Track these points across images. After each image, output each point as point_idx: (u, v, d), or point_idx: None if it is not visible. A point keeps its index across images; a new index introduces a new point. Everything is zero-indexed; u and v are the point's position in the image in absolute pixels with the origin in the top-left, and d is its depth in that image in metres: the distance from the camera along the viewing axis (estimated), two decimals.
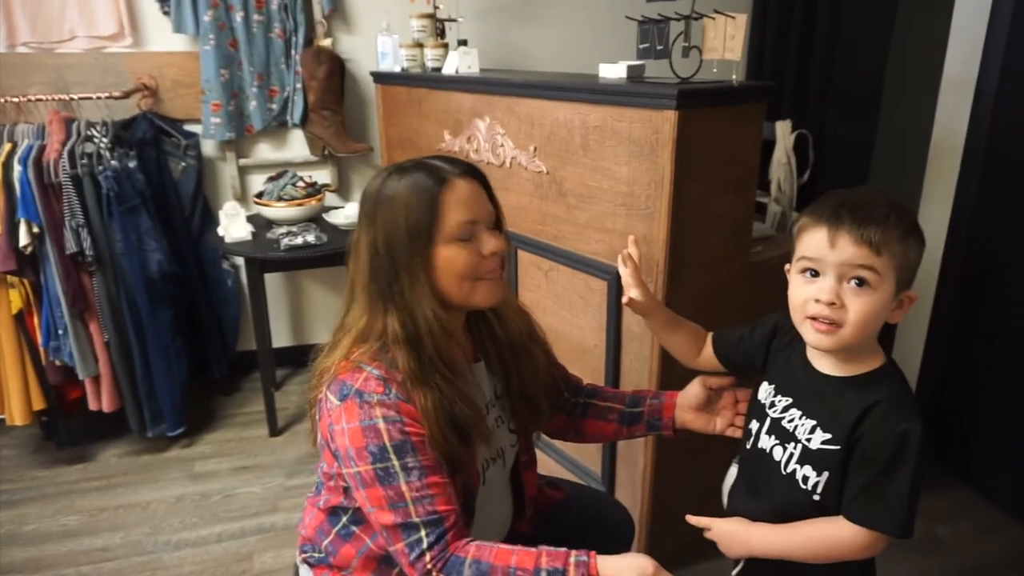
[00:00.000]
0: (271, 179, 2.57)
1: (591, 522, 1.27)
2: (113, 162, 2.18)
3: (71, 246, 2.10)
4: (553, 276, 1.87)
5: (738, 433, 1.14)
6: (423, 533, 0.93)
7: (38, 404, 2.26)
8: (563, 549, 0.93)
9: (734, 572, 1.06)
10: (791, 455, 0.93)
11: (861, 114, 2.63)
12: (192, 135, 2.56)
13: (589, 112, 1.61)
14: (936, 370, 2.25)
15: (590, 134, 1.63)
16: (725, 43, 1.48)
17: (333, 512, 1.09)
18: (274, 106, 2.63)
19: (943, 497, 2.13)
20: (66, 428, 2.39)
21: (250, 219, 2.48)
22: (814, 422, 0.91)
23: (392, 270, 0.99)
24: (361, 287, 1.02)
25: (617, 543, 1.24)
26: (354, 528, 1.07)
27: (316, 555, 1.13)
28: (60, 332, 2.18)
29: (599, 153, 1.62)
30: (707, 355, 1.17)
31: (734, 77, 1.51)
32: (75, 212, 2.09)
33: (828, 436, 0.89)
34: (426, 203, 0.97)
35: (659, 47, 1.55)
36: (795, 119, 2.29)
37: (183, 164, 2.55)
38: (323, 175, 2.76)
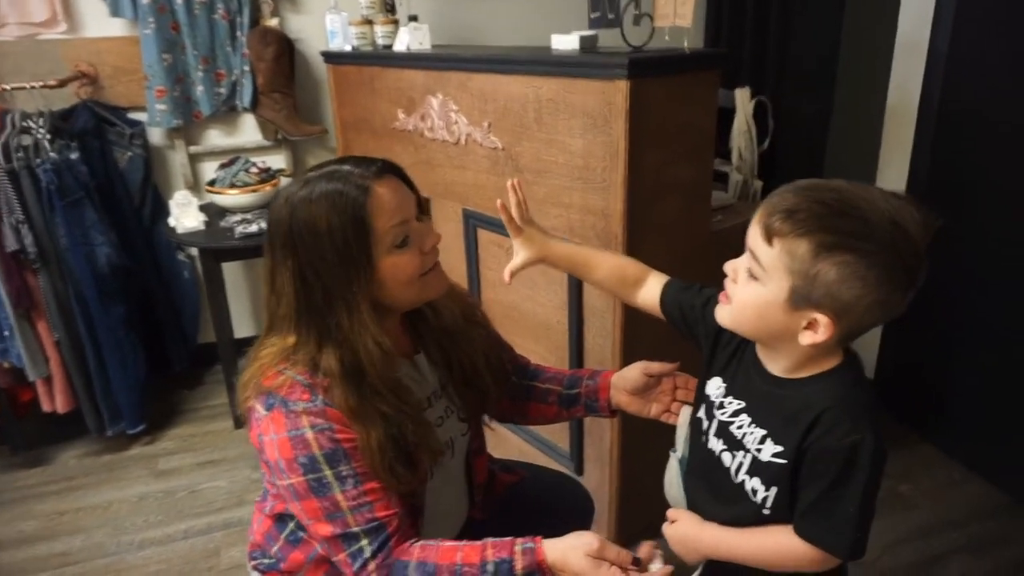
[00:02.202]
0: (223, 166, 2.49)
1: (548, 503, 1.26)
2: (52, 154, 2.09)
3: (11, 243, 2.01)
4: (513, 254, 1.84)
5: (673, 419, 1.09)
6: (364, 542, 0.90)
7: None
8: (508, 539, 0.91)
9: (695, 574, 1.03)
10: (740, 464, 0.86)
11: (818, 80, 2.63)
12: (137, 123, 2.46)
13: (541, 85, 1.58)
14: (898, 328, 2.28)
15: (543, 108, 1.59)
16: (676, 9, 1.46)
17: (280, 518, 1.06)
18: (222, 90, 2.54)
19: (904, 454, 2.17)
20: (20, 431, 2.31)
21: (203, 208, 2.40)
22: (764, 432, 0.84)
23: (325, 302, 0.91)
24: (286, 320, 0.94)
25: (575, 522, 1.23)
26: (302, 533, 1.03)
27: (266, 561, 1.10)
28: (6, 334, 2.09)
29: (553, 127, 1.59)
30: (650, 297, 1.04)
31: (686, 44, 1.49)
32: (13, 208, 2.00)
33: (779, 449, 0.81)
34: (352, 220, 0.89)
35: (610, 15, 1.52)
36: (754, 87, 2.28)
37: (129, 154, 2.45)
38: (277, 160, 2.68)
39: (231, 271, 2.74)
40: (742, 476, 0.86)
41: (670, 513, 0.96)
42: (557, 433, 1.91)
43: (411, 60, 2.01)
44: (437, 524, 1.09)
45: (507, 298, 1.91)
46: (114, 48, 2.41)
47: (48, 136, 2.12)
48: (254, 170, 2.45)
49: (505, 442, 2.02)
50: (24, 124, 2.10)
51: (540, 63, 1.57)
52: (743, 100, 2.24)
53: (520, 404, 1.23)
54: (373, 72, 2.19)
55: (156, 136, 2.56)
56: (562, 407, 1.20)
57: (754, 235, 0.77)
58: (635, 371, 1.13)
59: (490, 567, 0.87)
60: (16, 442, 2.31)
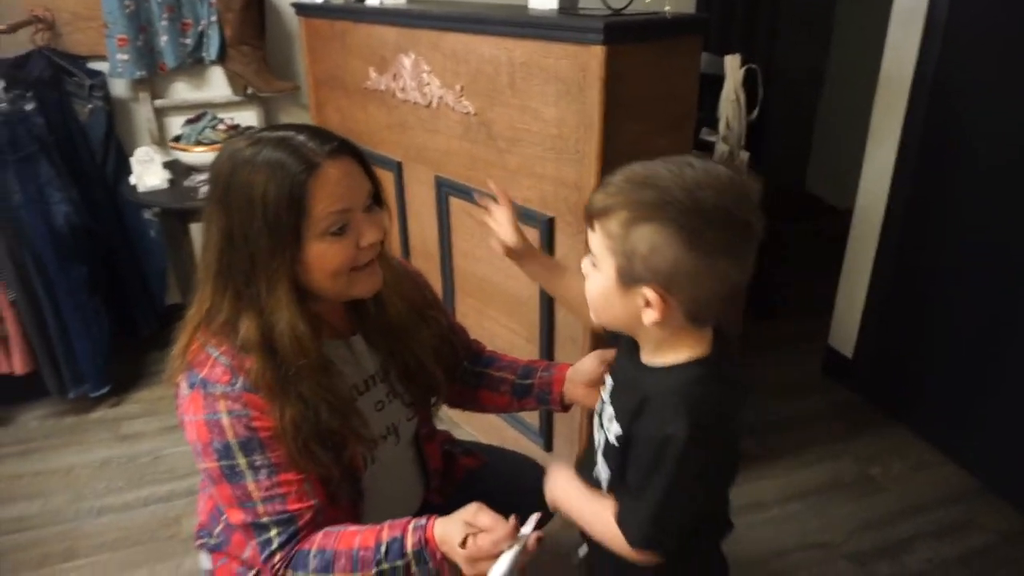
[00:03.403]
0: (189, 122, 2.38)
1: (508, 488, 1.21)
2: (3, 104, 1.98)
3: None
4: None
5: None
6: (273, 533, 0.88)
7: None
8: (406, 519, 0.89)
9: (580, 553, 1.01)
10: (599, 443, 0.88)
11: (812, 47, 2.54)
12: (98, 73, 2.34)
13: (514, 47, 1.49)
14: (877, 308, 2.24)
15: (517, 72, 1.51)
16: None
17: None
18: (188, 41, 2.41)
19: (876, 436, 2.15)
20: None
21: (168, 165, 2.31)
22: (613, 413, 0.84)
23: (249, 268, 0.86)
24: (209, 274, 0.90)
25: (537, 506, 1.20)
26: None
27: (212, 541, 1.07)
28: None
29: (527, 93, 1.51)
30: None
31: (667, 8, 1.40)
32: None
33: (620, 431, 0.81)
34: (289, 196, 0.84)
35: None
36: (745, 53, 2.19)
37: (90, 106, 2.33)
38: (247, 116, 2.57)
39: (199, 231, 2.65)
40: (599, 456, 0.88)
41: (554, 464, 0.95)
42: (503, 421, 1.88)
43: (383, 16, 1.90)
44: (385, 509, 1.05)
45: (480, 270, 1.85)
46: None
47: (2, 85, 2.00)
48: (221, 127, 2.34)
49: (475, 416, 1.98)
50: None
51: (512, 23, 1.48)
52: (733, 67, 2.15)
53: (471, 391, 1.19)
54: (345, 27, 2.08)
55: (119, 88, 2.44)
56: (514, 397, 1.16)
57: (586, 224, 0.78)
58: (592, 361, 1.08)
59: (383, 548, 0.86)
60: None
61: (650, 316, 0.74)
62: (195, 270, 2.32)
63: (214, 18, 2.36)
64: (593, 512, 0.84)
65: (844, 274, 2.35)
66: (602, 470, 0.87)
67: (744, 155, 2.19)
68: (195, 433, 0.87)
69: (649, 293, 0.73)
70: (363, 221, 0.91)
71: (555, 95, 1.44)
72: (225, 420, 0.86)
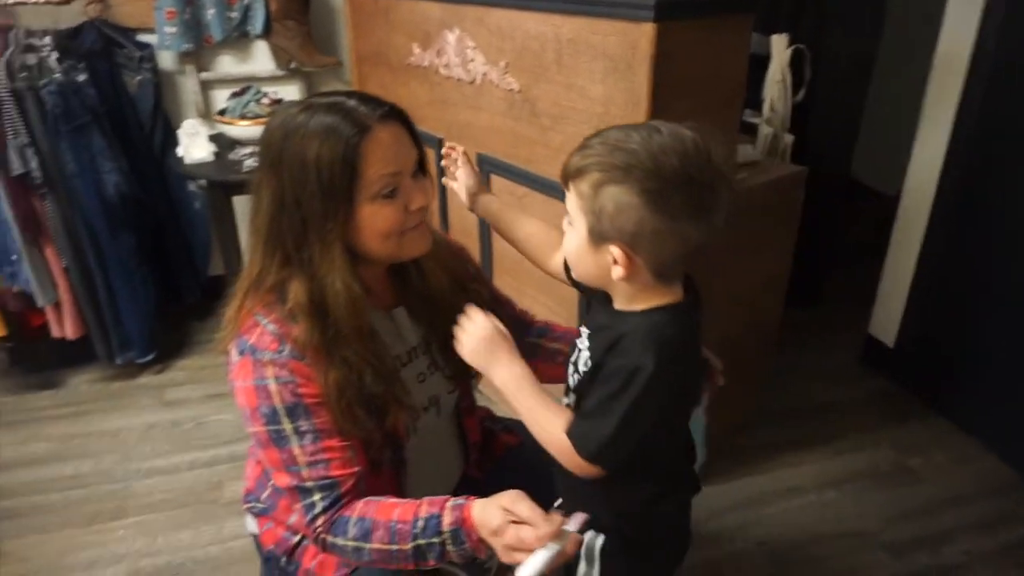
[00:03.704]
0: (234, 95, 2.41)
1: (544, 468, 1.23)
2: (58, 75, 2.03)
3: (17, 167, 1.97)
4: (528, 203, 1.77)
5: None
6: (317, 497, 0.90)
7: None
8: (444, 496, 0.90)
9: (556, 504, 1.03)
10: (571, 385, 0.93)
11: (864, 27, 2.46)
12: (146, 46, 2.38)
13: (562, 24, 1.47)
14: (921, 296, 2.19)
15: (564, 48, 1.50)
16: None
17: None
18: (234, 15, 2.44)
19: (915, 427, 2.12)
20: (32, 354, 2.34)
21: (213, 138, 2.34)
22: (588, 355, 0.88)
23: (301, 232, 0.89)
24: (260, 239, 0.92)
25: None
26: None
27: (259, 506, 1.10)
28: (14, 258, 2.09)
29: (573, 70, 1.49)
30: (557, 264, 1.05)
31: None
32: (18, 130, 1.96)
33: (591, 362, 0.87)
34: (343, 158, 0.85)
35: None
36: (792, 32, 2.13)
37: (139, 78, 2.38)
38: (290, 91, 2.59)
39: (243, 203, 2.70)
40: (565, 397, 0.94)
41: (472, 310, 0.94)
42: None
43: None
44: (425, 481, 1.07)
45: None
46: None
47: (55, 56, 2.05)
48: (265, 101, 2.36)
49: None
50: (29, 42, 2.03)
51: None
52: (779, 47, 2.10)
53: (528, 363, 1.19)
54: (389, 2, 2.07)
55: (167, 60, 2.48)
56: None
57: (562, 184, 0.83)
58: None
59: (420, 523, 0.87)
60: (28, 365, 2.34)
61: (617, 272, 0.80)
62: (238, 241, 2.38)
63: None
64: (546, 417, 0.87)
65: (888, 262, 2.30)
66: (571, 403, 0.92)
67: (789, 138, 2.15)
68: (244, 398, 0.90)
69: (616, 251, 0.78)
70: (412, 184, 0.92)
71: (602, 72, 1.42)
72: (272, 386, 0.88)
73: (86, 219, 2.13)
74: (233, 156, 2.27)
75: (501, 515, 0.83)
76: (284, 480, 0.91)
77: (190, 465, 2.02)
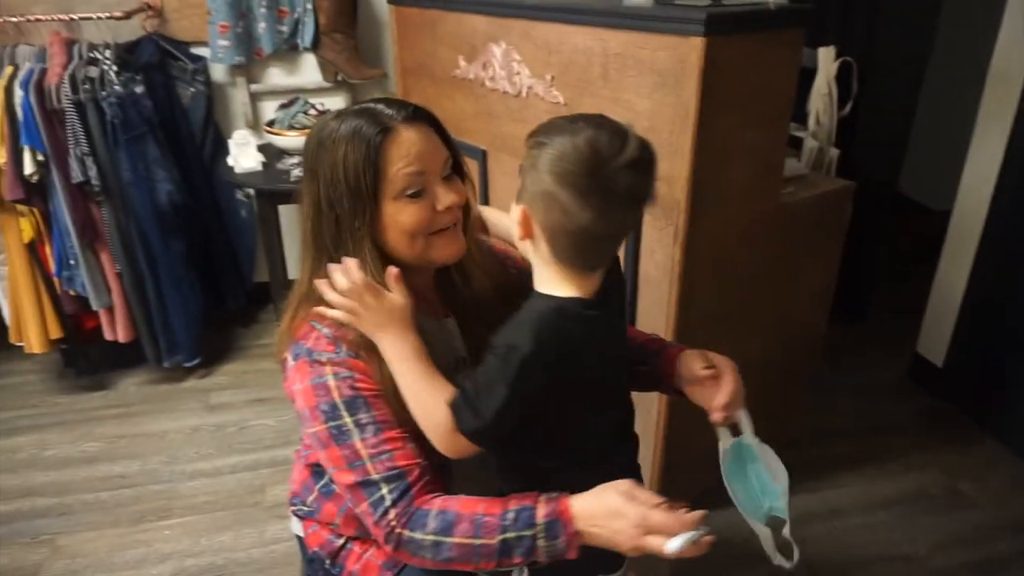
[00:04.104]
0: (283, 106, 2.47)
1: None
2: (117, 87, 2.10)
3: (77, 175, 2.05)
4: None
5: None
6: (385, 491, 0.88)
7: (55, 333, 2.27)
8: (534, 492, 0.88)
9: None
10: None
11: (914, 41, 2.42)
12: (200, 59, 2.46)
13: (610, 38, 1.48)
14: (973, 315, 2.13)
15: (611, 63, 1.50)
16: None
17: (315, 470, 1.07)
18: (284, 28, 2.50)
19: (965, 449, 2.06)
20: (85, 356, 2.42)
21: (262, 148, 2.40)
22: None
23: (336, 233, 0.92)
24: (307, 249, 0.95)
25: None
26: (335, 487, 1.03)
27: (305, 508, 1.12)
28: (72, 262, 2.16)
29: (620, 84, 1.50)
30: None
31: None
32: (79, 140, 2.03)
33: None
34: (365, 158, 0.88)
35: None
36: (839, 44, 2.11)
37: (192, 90, 2.46)
38: (336, 102, 2.65)
39: (288, 212, 2.75)
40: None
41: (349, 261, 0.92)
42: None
43: (474, 4, 1.92)
44: (467, 487, 1.07)
45: None
46: None
47: (115, 68, 2.13)
48: (312, 112, 2.42)
49: None
50: (91, 55, 2.12)
51: (609, 14, 1.47)
52: (826, 60, 2.08)
53: None
54: (435, 16, 2.11)
55: (218, 73, 2.55)
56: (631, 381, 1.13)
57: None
58: (696, 360, 1.04)
59: (511, 515, 0.85)
60: (81, 366, 2.42)
61: (516, 231, 0.86)
62: (283, 249, 2.43)
63: (309, 6, 2.44)
64: (430, 390, 0.87)
65: (938, 279, 2.25)
66: None
67: (834, 152, 2.12)
68: (302, 400, 0.91)
69: (516, 209, 0.85)
70: (440, 185, 0.94)
71: (650, 87, 1.42)
72: (331, 382, 0.89)
73: (139, 226, 2.20)
74: (281, 166, 2.33)
75: (622, 496, 0.82)
76: (348, 478, 0.89)
77: (232, 468, 2.06)
